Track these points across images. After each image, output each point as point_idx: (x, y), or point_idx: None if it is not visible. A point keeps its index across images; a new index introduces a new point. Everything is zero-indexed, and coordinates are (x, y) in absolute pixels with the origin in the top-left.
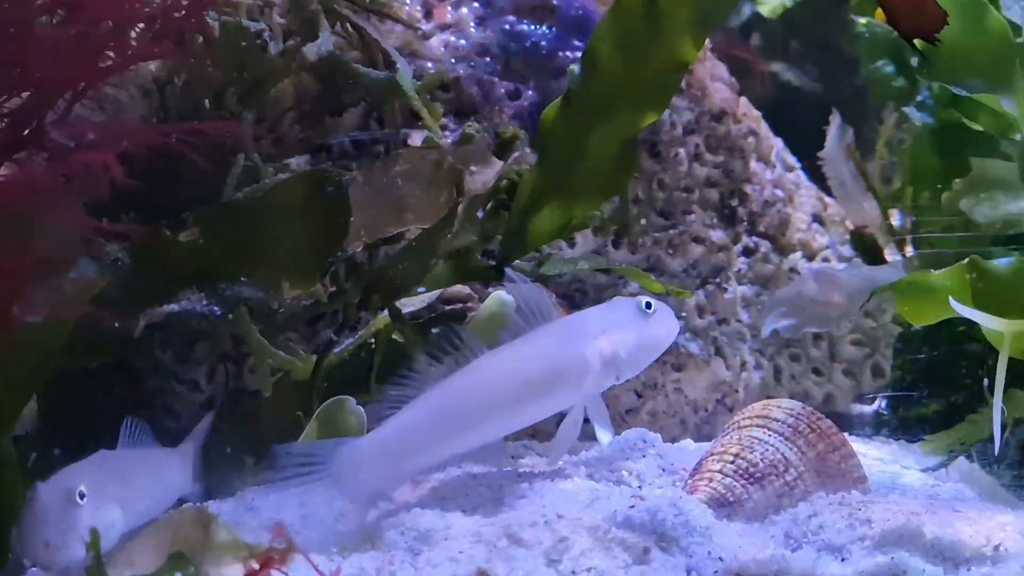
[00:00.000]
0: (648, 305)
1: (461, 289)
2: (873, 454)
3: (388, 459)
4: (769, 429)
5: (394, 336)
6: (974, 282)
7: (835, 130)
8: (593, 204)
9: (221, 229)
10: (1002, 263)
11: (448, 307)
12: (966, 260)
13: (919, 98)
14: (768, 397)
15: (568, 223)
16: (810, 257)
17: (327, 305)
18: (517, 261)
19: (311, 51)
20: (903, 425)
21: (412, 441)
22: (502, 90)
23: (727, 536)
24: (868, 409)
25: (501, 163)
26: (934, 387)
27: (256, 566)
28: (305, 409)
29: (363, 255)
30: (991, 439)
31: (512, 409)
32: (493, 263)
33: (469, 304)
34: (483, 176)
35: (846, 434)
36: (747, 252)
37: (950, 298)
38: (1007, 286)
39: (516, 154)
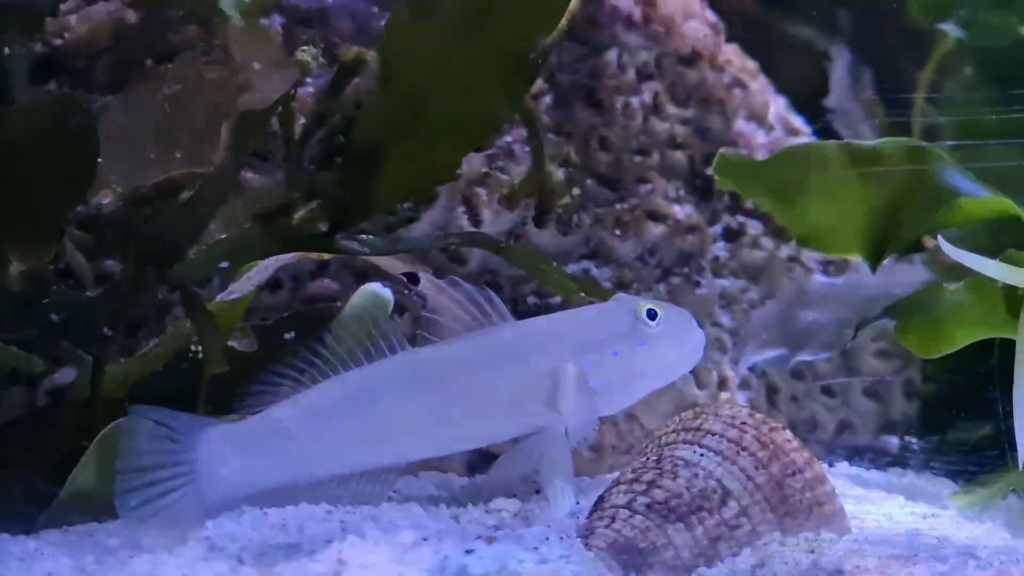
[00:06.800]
0: (652, 314)
1: (328, 286)
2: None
3: (262, 456)
4: (701, 446)
5: (231, 343)
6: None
7: (842, 72)
8: (459, 150)
9: None
10: None
11: (306, 306)
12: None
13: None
14: None
15: (427, 176)
16: None
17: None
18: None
19: None
20: (938, 455)
21: (296, 439)
22: (383, 23)
23: None
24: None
25: (295, 71)
26: (978, 405)
27: None
28: (86, 433)
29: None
30: None
31: (436, 426)
32: (324, 229)
33: (338, 304)
34: (265, 88)
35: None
36: (729, 235)
37: (940, 238)
38: None
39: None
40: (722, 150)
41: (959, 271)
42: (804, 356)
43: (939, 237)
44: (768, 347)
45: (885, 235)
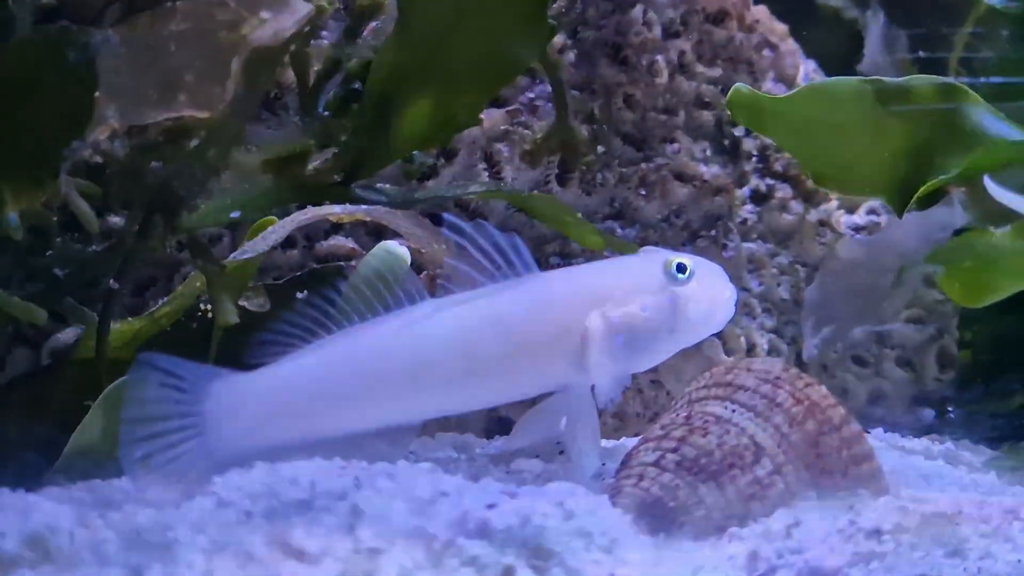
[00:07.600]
0: (682, 268)
1: (342, 243)
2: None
3: (273, 409)
4: (733, 402)
5: (242, 302)
6: None
7: (877, 33)
8: (479, 95)
9: None
10: None
11: (319, 266)
12: None
13: None
14: None
15: (446, 122)
16: (850, 207)
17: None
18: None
19: None
20: (974, 423)
21: (309, 392)
22: None
23: (645, 554)
24: (932, 412)
25: (308, 6)
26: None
27: None
28: (91, 393)
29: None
30: None
31: (456, 381)
32: (339, 178)
33: (352, 263)
34: (276, 24)
35: None
36: (757, 197)
37: (986, 179)
38: None
39: (375, 23)
40: (737, 84)
41: (1002, 216)
42: (858, 327)
43: (985, 178)
44: (823, 324)
45: (912, 177)
